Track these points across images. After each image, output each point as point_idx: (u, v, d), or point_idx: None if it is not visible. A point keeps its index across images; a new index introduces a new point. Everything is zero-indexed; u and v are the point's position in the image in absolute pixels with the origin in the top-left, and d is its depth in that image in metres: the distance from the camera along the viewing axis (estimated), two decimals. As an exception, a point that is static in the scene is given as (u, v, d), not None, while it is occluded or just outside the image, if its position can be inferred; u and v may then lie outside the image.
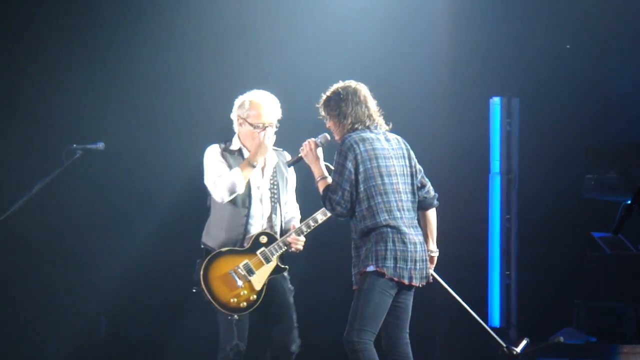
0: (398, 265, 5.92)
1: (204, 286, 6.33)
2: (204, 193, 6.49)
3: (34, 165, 7.97)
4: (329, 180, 6.09)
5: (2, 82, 8.59)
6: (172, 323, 8.83)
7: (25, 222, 7.92)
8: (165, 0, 8.88)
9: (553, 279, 9.22)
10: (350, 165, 5.96)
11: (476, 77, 9.14)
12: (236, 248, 6.39)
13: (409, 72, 8.93)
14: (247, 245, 6.41)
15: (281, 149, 6.62)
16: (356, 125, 6.07)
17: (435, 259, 6.16)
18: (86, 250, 8.70)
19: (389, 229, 5.93)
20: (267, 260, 6.40)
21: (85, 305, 8.69)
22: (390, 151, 6.06)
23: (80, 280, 8.67)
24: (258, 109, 6.47)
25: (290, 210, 6.62)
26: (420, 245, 6.00)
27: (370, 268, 5.92)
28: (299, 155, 6.29)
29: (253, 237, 6.41)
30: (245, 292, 6.35)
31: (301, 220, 6.54)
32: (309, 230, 6.44)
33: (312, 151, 6.21)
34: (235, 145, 6.54)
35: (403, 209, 6.01)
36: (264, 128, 6.45)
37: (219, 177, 6.39)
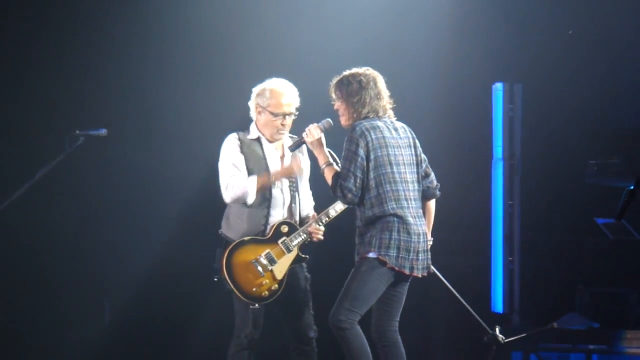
0: (400, 255, 5.93)
1: (226, 275, 6.35)
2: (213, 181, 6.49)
3: (36, 151, 7.97)
4: (336, 167, 6.09)
5: (4, 67, 8.57)
6: (180, 311, 8.81)
7: (28, 208, 7.93)
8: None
9: (556, 265, 9.21)
10: (362, 152, 5.96)
11: (479, 63, 9.12)
12: (258, 237, 6.40)
13: (411, 58, 8.91)
14: (268, 234, 6.42)
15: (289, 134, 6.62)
16: (370, 114, 6.07)
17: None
18: (88, 236, 8.70)
19: (395, 219, 5.94)
20: (288, 250, 6.41)
21: (89, 292, 8.70)
22: (398, 140, 6.07)
23: (82, 267, 8.67)
24: (278, 97, 6.46)
25: (305, 198, 6.62)
26: (423, 236, 6.03)
27: (372, 254, 5.94)
28: (301, 139, 6.28)
29: (274, 227, 6.42)
30: (267, 281, 6.37)
31: (316, 209, 6.55)
32: (328, 220, 6.45)
33: (316, 137, 6.21)
34: (253, 134, 6.54)
35: (410, 199, 6.02)
36: (284, 117, 6.44)
37: (232, 177, 6.40)
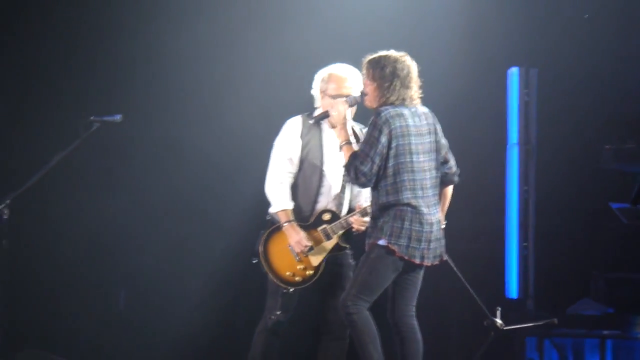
0: (411, 245, 5.93)
1: (262, 258, 6.39)
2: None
3: (51, 137, 7.98)
4: (354, 146, 6.07)
5: (19, 53, 8.59)
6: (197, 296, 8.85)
7: (43, 194, 7.95)
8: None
9: (571, 250, 9.19)
10: (384, 139, 5.94)
11: (494, 48, 9.07)
12: (299, 223, 6.41)
13: (427, 43, 8.86)
14: (310, 220, 6.43)
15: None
16: (397, 102, 6.04)
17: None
18: (104, 221, 8.71)
19: (409, 208, 5.94)
20: (328, 238, 6.43)
21: (106, 278, 8.73)
22: (420, 127, 6.05)
23: (98, 251, 8.70)
24: (338, 81, 6.46)
25: (357, 188, 6.55)
26: (437, 224, 6.03)
27: (382, 242, 5.95)
28: (326, 112, 6.27)
29: (317, 214, 6.44)
30: (302, 266, 6.41)
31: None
32: None
33: (342, 112, 6.18)
34: None
35: (426, 187, 6.01)
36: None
37: (280, 184, 6.44)
